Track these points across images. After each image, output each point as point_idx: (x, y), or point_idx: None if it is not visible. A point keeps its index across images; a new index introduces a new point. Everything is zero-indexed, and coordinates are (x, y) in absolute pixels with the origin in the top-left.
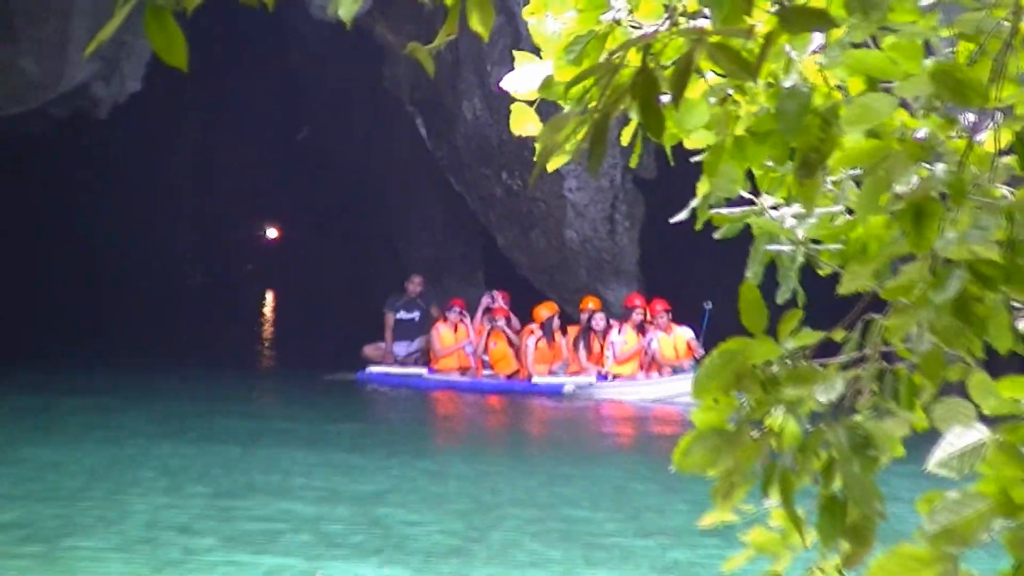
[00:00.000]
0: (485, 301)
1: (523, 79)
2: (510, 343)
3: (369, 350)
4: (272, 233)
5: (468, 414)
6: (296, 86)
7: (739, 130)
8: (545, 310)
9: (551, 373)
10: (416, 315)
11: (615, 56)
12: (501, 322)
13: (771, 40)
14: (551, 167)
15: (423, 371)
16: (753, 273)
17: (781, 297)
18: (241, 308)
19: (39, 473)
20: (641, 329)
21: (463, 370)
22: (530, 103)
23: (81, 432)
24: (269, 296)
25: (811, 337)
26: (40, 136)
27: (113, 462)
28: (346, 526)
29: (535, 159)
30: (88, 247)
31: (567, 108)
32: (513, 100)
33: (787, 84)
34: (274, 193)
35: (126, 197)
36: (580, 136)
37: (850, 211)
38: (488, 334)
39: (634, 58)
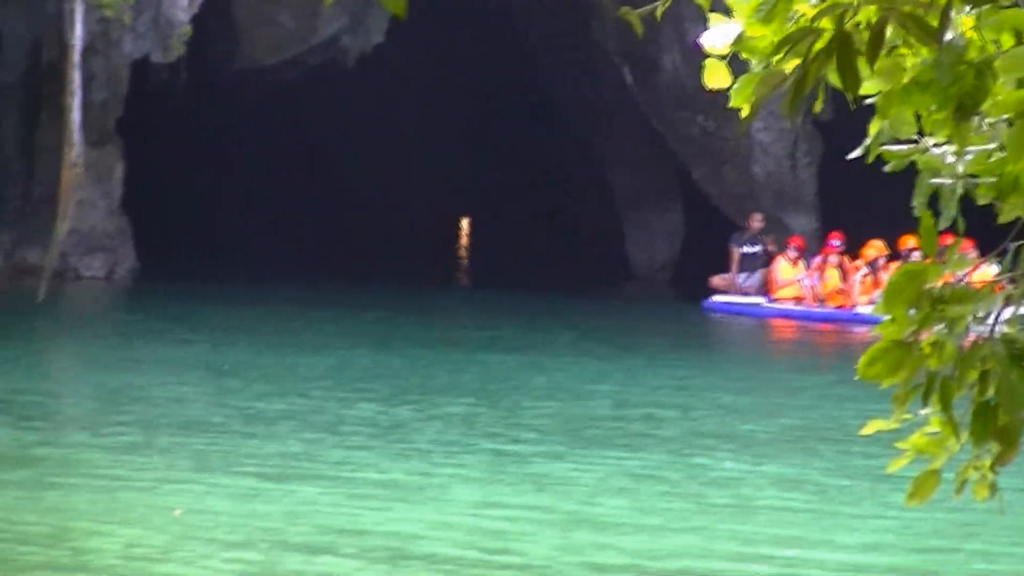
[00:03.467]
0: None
1: (717, 36)
2: (842, 278)
3: (716, 280)
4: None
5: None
6: (515, 40)
7: (905, 79)
8: (872, 250)
9: (872, 303)
10: (758, 249)
11: (815, 21)
12: (834, 259)
13: (950, 7)
14: (745, 113)
15: (762, 300)
16: (919, 204)
17: (942, 225)
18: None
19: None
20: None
21: (798, 300)
22: (722, 58)
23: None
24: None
25: (970, 263)
26: (294, 83)
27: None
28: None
29: (728, 106)
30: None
31: (754, 63)
32: (706, 55)
33: (945, 39)
34: (492, 137)
35: (366, 142)
36: (783, 87)
37: (1003, 149)
38: (821, 269)
39: (825, 23)
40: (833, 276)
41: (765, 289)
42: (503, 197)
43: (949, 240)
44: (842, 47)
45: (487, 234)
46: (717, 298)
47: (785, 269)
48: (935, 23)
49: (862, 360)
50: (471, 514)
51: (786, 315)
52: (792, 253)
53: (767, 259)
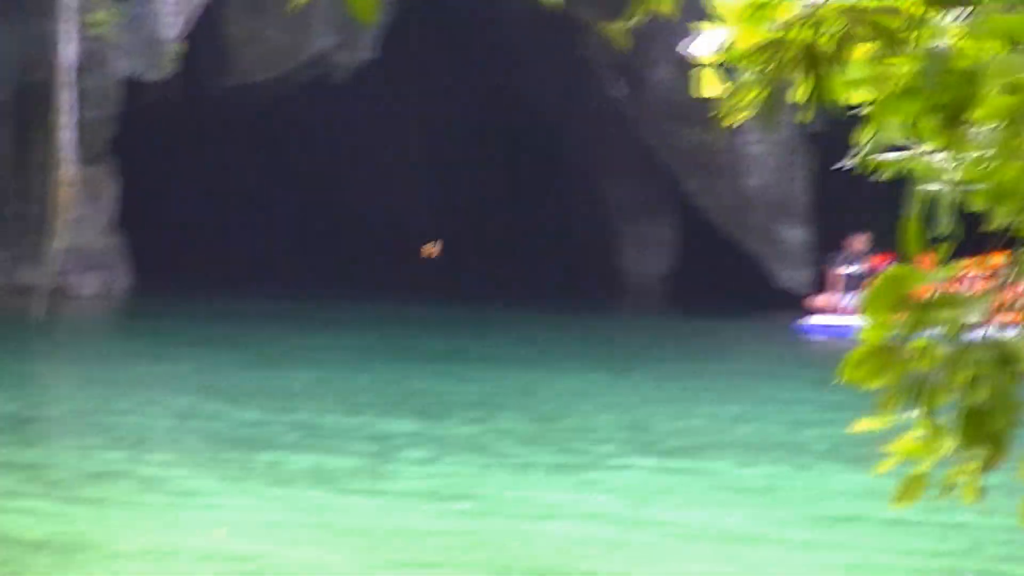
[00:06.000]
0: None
1: (706, 44)
2: None
3: (818, 300)
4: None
5: None
6: (505, 54)
7: (895, 87)
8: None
9: None
10: (859, 268)
11: (785, 32)
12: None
13: (921, 19)
14: (733, 124)
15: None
16: (912, 211)
17: (937, 232)
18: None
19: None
20: None
21: None
22: (711, 66)
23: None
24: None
25: (958, 268)
26: (284, 99)
27: None
28: None
29: (719, 116)
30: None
31: (745, 71)
32: (696, 65)
33: (931, 47)
34: (484, 150)
35: (358, 156)
36: (760, 97)
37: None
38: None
39: (802, 32)
40: None
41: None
42: (493, 209)
43: (931, 256)
44: (810, 58)
45: (479, 245)
46: (816, 319)
47: None
48: (903, 30)
49: (846, 364)
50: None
51: None
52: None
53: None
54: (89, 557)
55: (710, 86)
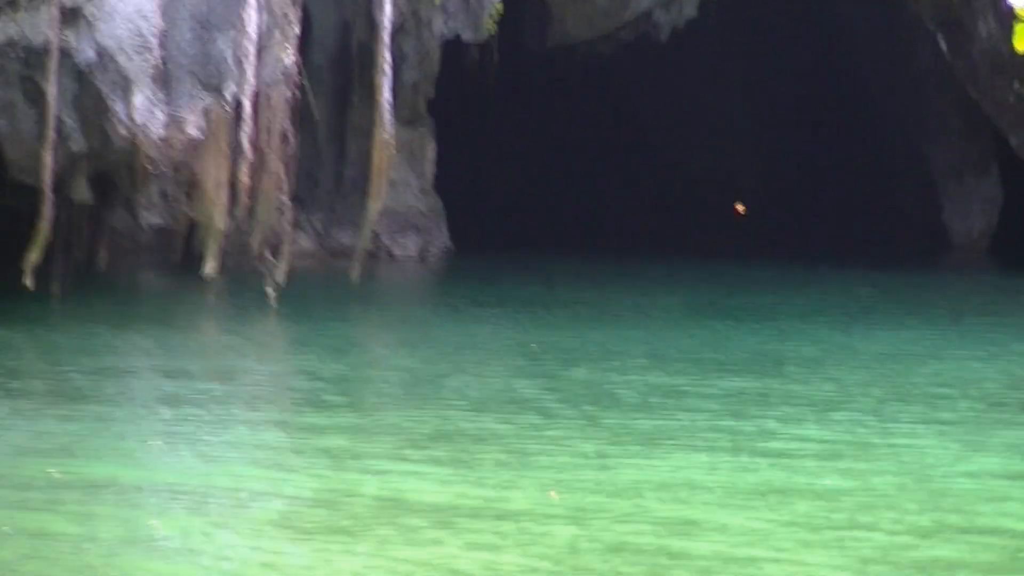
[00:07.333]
0: None
1: None
2: None
3: None
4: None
5: None
6: (828, 11)
7: None
8: None
9: None
10: None
11: None
12: None
13: None
14: None
15: None
16: None
17: None
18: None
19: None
20: None
21: None
22: None
23: None
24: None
25: None
26: (608, 58)
27: None
28: None
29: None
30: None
31: None
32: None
33: None
34: (808, 112)
35: (681, 119)
36: None
37: None
38: None
39: None
40: None
41: None
42: (816, 173)
43: None
44: None
45: (804, 208)
46: None
47: None
48: None
49: None
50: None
51: None
52: None
53: None
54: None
55: None
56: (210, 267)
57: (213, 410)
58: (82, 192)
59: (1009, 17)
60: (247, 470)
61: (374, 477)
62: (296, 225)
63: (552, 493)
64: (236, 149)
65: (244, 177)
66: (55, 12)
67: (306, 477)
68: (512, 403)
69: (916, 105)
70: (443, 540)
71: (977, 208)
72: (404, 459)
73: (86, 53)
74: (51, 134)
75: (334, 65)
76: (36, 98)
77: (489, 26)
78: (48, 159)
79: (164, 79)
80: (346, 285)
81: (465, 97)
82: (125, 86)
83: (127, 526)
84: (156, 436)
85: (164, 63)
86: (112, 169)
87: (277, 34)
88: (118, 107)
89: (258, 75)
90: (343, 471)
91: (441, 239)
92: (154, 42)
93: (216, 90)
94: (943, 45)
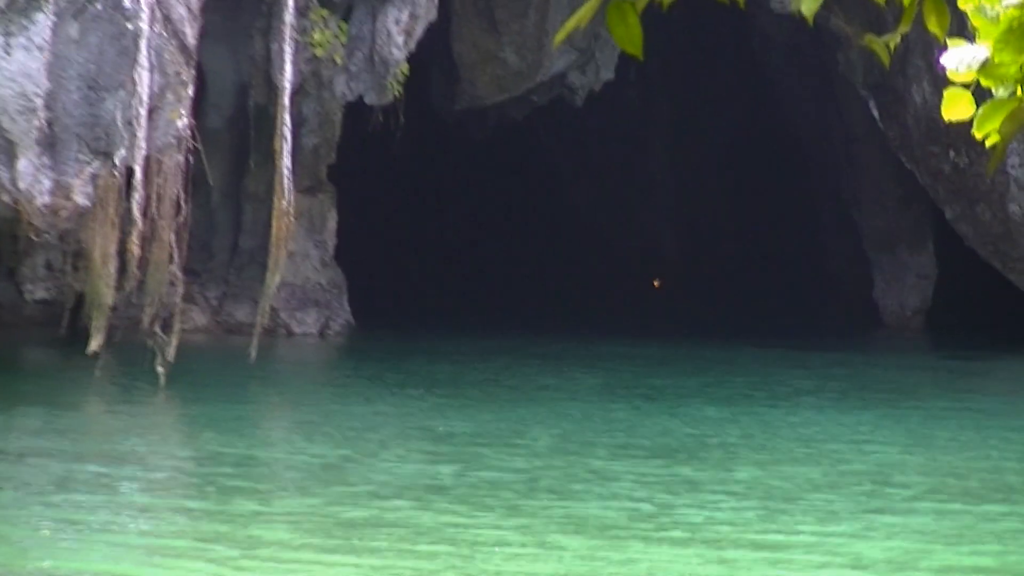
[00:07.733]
0: None
1: (961, 58)
2: None
3: None
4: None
5: None
6: (756, 74)
7: None
8: None
9: None
10: None
11: None
12: None
13: None
14: (989, 144)
15: None
16: None
17: None
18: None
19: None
20: None
21: None
22: (966, 86)
23: None
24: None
25: None
26: (521, 121)
27: None
28: None
29: (975, 137)
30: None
31: (999, 92)
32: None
33: None
34: (731, 176)
35: (597, 183)
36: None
37: None
38: None
39: None
40: None
41: None
42: (744, 242)
43: None
44: None
45: (730, 278)
46: None
47: None
48: None
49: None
50: None
51: None
52: None
53: None
54: None
55: (961, 108)
56: (96, 343)
57: (101, 494)
58: None
59: (945, 83)
60: (132, 555)
61: (265, 564)
62: (189, 299)
63: None
64: (125, 217)
65: (134, 247)
66: None
67: (203, 563)
68: (414, 488)
69: (849, 172)
70: None
71: (910, 283)
72: (300, 547)
73: None
74: None
75: (230, 128)
76: None
77: (394, 88)
78: None
79: (50, 143)
80: (242, 363)
81: (368, 163)
82: (8, 150)
83: None
84: (45, 522)
85: (50, 126)
86: None
87: (170, 95)
88: (1, 172)
89: (149, 139)
90: (234, 559)
91: (342, 315)
92: (39, 103)
93: (105, 155)
94: (875, 111)
